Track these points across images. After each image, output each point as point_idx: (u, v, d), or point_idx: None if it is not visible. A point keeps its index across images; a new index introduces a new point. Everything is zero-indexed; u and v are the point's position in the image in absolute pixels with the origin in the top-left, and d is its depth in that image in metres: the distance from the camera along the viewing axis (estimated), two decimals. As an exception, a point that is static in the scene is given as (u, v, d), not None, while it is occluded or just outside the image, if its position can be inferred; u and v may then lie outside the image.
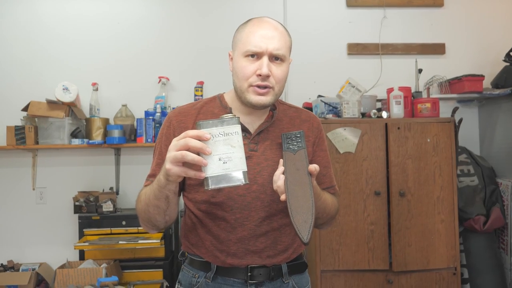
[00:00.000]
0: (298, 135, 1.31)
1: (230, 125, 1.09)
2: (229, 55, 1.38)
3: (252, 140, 1.34)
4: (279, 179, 1.19)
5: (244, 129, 1.33)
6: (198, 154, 1.06)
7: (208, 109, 1.38)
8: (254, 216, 1.30)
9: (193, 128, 1.33)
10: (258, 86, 1.28)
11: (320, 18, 3.49)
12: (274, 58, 1.29)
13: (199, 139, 1.06)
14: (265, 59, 1.27)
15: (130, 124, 3.25)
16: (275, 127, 1.38)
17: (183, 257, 1.44)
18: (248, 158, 1.30)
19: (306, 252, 1.48)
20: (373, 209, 2.78)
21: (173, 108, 3.25)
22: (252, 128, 1.36)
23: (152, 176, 1.34)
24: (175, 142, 1.08)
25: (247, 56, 1.28)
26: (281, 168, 1.21)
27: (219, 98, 1.41)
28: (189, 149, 1.05)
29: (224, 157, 1.07)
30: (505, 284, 2.99)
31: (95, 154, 3.37)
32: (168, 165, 1.08)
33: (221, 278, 1.32)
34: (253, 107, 1.32)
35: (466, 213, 2.99)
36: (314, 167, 1.20)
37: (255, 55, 1.28)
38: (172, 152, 1.07)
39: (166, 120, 1.39)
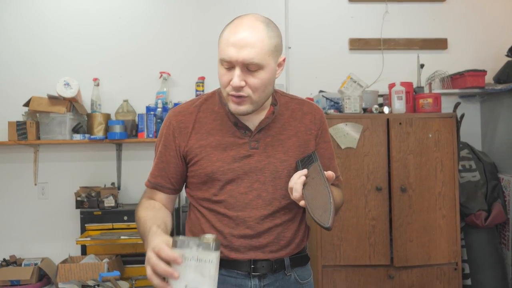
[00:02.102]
0: (311, 156, 1.31)
1: (207, 251, 1.01)
2: None
3: (253, 138, 1.33)
4: (296, 191, 1.19)
5: (244, 127, 1.33)
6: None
7: (208, 107, 1.37)
8: (256, 214, 1.31)
9: (194, 128, 1.34)
10: (234, 95, 1.25)
11: (322, 13, 3.48)
12: (247, 67, 1.22)
13: (171, 261, 1.02)
14: (236, 70, 1.22)
15: (132, 119, 3.25)
16: (276, 122, 1.37)
17: None
18: (249, 156, 1.31)
19: (308, 245, 1.48)
20: (374, 204, 2.78)
21: (175, 104, 3.29)
22: (253, 124, 1.34)
23: (151, 175, 1.39)
24: (149, 254, 1.05)
25: (222, 64, 1.25)
26: (301, 178, 1.20)
27: (219, 93, 1.39)
28: (156, 271, 1.03)
29: (191, 286, 1.01)
30: (506, 279, 3.00)
31: (96, 149, 3.37)
32: (147, 269, 1.05)
33: (225, 270, 1.33)
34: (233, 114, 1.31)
35: (467, 209, 2.99)
36: (331, 173, 1.22)
37: (228, 66, 1.24)
38: (147, 264, 1.05)
39: (166, 120, 1.38)
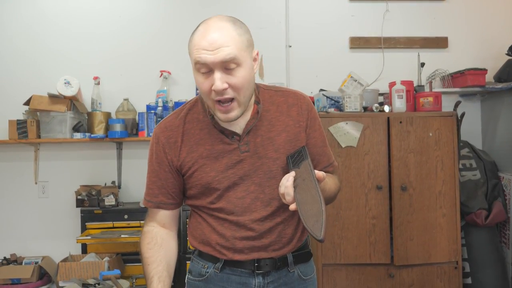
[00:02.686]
0: (301, 152, 1.28)
1: None
2: None
3: (242, 141, 1.30)
4: (288, 194, 1.17)
5: (231, 133, 1.30)
6: None
7: (193, 117, 1.34)
8: (256, 216, 1.31)
9: (183, 141, 1.31)
10: (220, 101, 1.20)
11: (322, 11, 3.47)
12: (225, 67, 1.18)
13: None
14: (216, 73, 1.17)
15: (132, 118, 3.25)
16: (263, 120, 1.33)
17: (192, 249, 1.46)
18: (241, 161, 1.30)
19: (310, 241, 1.48)
20: (374, 203, 2.78)
21: (175, 103, 3.29)
22: (240, 128, 1.30)
23: (150, 195, 1.38)
24: None
25: (199, 70, 1.20)
26: (290, 180, 1.18)
27: (201, 101, 1.34)
28: None
29: None
30: (506, 278, 3.00)
31: (97, 148, 3.37)
32: None
33: (229, 269, 1.34)
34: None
35: (468, 207, 2.98)
36: (322, 174, 1.20)
37: (206, 70, 1.19)
38: None
39: (154, 137, 1.35)
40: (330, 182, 1.35)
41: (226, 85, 1.18)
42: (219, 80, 1.17)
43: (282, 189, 1.19)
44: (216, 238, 1.33)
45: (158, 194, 1.36)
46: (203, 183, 1.31)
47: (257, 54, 1.28)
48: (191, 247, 1.44)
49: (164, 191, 1.35)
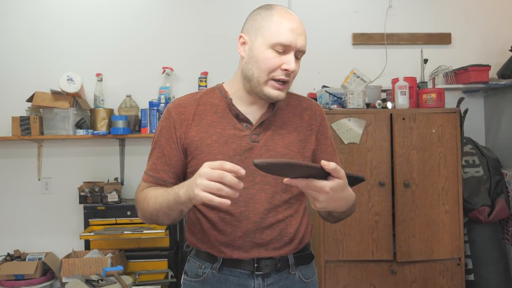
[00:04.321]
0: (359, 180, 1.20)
1: None
2: (241, 38, 1.31)
3: (253, 131, 1.32)
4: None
5: (245, 120, 1.32)
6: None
7: (207, 100, 1.36)
8: (259, 208, 1.29)
9: (193, 120, 1.32)
10: (280, 81, 1.27)
11: (325, 7, 3.47)
12: (297, 54, 1.28)
13: (234, 174, 1.05)
14: (291, 55, 1.25)
15: (135, 114, 3.25)
16: (277, 116, 1.36)
17: (189, 248, 1.43)
18: (249, 149, 1.30)
19: (311, 242, 1.47)
20: (377, 199, 2.77)
21: (174, 98, 3.29)
22: (254, 118, 1.34)
23: (152, 170, 1.33)
24: (209, 170, 1.05)
25: (274, 47, 1.25)
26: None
27: (219, 88, 1.38)
28: (223, 183, 1.04)
29: None
30: (509, 274, 2.99)
31: (99, 144, 3.38)
32: (197, 190, 1.06)
33: (227, 269, 1.31)
34: (268, 100, 1.30)
35: (470, 204, 2.98)
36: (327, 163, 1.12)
37: (282, 50, 1.25)
38: (205, 180, 1.05)
39: (165, 112, 1.36)
40: (351, 193, 1.27)
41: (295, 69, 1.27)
42: (294, 62, 1.26)
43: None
44: (216, 234, 1.31)
45: (160, 170, 1.33)
46: None
47: None
48: (191, 246, 1.42)
49: (166, 168, 1.33)
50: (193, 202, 1.11)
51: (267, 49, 1.25)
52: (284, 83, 1.28)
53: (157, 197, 1.23)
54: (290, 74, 1.27)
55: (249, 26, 1.30)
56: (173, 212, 1.20)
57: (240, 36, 1.32)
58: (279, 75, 1.26)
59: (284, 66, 1.25)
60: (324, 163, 1.05)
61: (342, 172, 1.09)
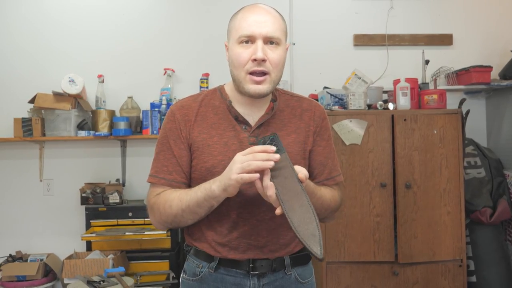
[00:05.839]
0: (273, 138, 1.21)
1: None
2: (225, 45, 1.36)
3: (252, 133, 1.32)
4: (267, 188, 1.12)
5: (244, 122, 1.32)
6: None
7: (209, 102, 1.36)
8: (257, 210, 1.30)
9: (195, 121, 1.33)
10: (255, 73, 1.25)
11: (326, 8, 3.47)
12: (269, 42, 1.26)
13: (265, 152, 1.12)
14: (259, 42, 1.24)
15: (136, 116, 3.25)
16: (276, 118, 1.35)
17: (189, 247, 1.44)
18: None
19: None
20: (379, 201, 2.77)
21: (180, 99, 3.29)
22: (252, 120, 1.33)
23: (164, 172, 1.32)
24: (241, 157, 1.14)
25: (241, 42, 1.26)
26: (267, 175, 1.13)
27: (220, 90, 1.39)
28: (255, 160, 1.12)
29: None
30: (511, 276, 2.99)
31: (101, 146, 3.38)
32: (234, 176, 1.13)
33: (223, 269, 1.32)
34: (251, 97, 1.30)
35: (472, 205, 2.98)
36: (304, 175, 1.15)
37: (249, 41, 1.26)
38: (239, 164, 1.13)
39: (169, 114, 1.36)
40: (326, 194, 1.33)
41: (265, 57, 1.24)
42: (260, 50, 1.24)
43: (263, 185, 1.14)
44: (212, 234, 1.32)
45: (172, 171, 1.32)
46: (208, 166, 1.29)
47: (287, 47, 1.35)
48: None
49: (178, 169, 1.32)
50: (228, 191, 1.17)
51: (236, 46, 1.28)
52: (263, 75, 1.26)
53: (181, 197, 1.25)
54: (263, 64, 1.24)
55: (227, 31, 1.35)
56: (202, 210, 1.24)
57: (225, 44, 1.37)
58: (251, 67, 1.25)
59: (252, 57, 1.24)
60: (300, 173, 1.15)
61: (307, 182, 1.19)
